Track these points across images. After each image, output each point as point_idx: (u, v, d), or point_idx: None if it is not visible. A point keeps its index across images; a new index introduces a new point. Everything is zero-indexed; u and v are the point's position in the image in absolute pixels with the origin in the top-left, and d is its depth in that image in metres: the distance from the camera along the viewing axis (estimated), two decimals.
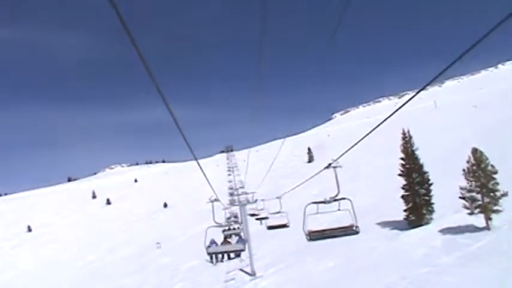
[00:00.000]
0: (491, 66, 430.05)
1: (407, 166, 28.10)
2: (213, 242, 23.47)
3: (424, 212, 26.33)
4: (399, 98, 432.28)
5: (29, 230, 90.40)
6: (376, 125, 5.75)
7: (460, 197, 22.71)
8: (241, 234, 24.46)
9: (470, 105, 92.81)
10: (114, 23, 2.55)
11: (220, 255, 28.92)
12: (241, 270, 25.13)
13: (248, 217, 25.66)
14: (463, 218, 23.16)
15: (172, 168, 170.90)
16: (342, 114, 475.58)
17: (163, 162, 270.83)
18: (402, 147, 28.79)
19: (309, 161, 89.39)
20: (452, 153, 45.87)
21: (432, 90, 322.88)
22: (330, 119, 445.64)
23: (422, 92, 4.58)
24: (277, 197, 17.89)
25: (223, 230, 26.46)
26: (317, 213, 9.00)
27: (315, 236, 9.63)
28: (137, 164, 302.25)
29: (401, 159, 28.64)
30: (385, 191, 37.24)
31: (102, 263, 51.41)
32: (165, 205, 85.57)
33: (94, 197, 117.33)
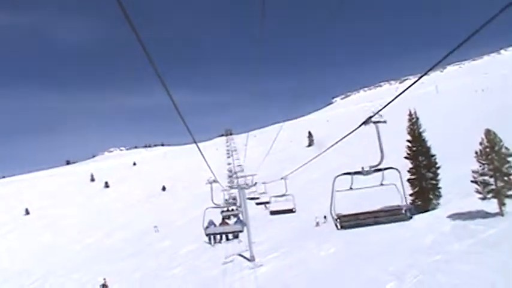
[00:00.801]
0: (493, 52, 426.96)
1: (414, 149, 27.02)
2: (211, 222, 22.86)
3: (431, 196, 25.35)
4: (400, 82, 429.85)
5: (27, 213, 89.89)
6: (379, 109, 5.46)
7: (471, 181, 21.62)
8: (240, 215, 23.78)
9: (472, 90, 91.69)
10: (113, 7, 2.58)
11: (218, 236, 28.63)
12: (240, 255, 24.35)
13: (248, 201, 24.75)
14: (472, 203, 22.18)
15: (171, 151, 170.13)
16: (342, 99, 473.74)
17: (162, 145, 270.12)
18: (409, 129, 27.64)
19: (309, 145, 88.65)
20: (455, 137, 44.98)
21: (433, 75, 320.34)
22: (330, 104, 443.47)
23: (423, 77, 4.50)
24: (282, 178, 16.81)
25: (222, 211, 25.90)
26: (350, 188, 6.59)
27: (347, 222, 6.80)
28: (136, 147, 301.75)
29: (408, 141, 27.52)
30: (389, 175, 36.35)
31: (100, 246, 50.89)
32: (164, 188, 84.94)
33: (92, 180, 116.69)
